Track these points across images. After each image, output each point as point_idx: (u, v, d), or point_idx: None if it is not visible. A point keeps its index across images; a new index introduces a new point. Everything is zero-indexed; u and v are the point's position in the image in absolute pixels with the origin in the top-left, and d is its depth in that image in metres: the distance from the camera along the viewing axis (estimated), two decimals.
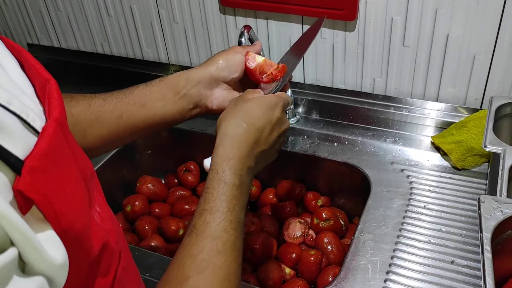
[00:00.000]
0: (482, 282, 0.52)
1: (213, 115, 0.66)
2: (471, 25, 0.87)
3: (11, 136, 0.27)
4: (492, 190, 0.77)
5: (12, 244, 0.27)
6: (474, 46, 0.89)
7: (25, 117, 0.29)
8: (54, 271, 0.29)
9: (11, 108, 0.28)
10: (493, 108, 0.82)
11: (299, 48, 0.71)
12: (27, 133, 0.29)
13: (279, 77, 0.67)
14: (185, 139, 1.12)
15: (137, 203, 1.02)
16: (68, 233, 0.30)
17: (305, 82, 1.09)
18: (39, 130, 0.30)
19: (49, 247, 0.29)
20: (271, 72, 0.67)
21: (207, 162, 0.58)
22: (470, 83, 0.93)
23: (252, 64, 0.66)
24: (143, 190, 1.05)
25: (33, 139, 0.29)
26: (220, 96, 0.65)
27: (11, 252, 0.26)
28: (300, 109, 1.09)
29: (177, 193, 1.08)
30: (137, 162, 1.13)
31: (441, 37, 0.90)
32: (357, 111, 1.02)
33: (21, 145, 0.28)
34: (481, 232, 0.54)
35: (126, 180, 1.10)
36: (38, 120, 0.30)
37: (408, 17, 0.91)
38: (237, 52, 0.65)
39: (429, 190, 0.85)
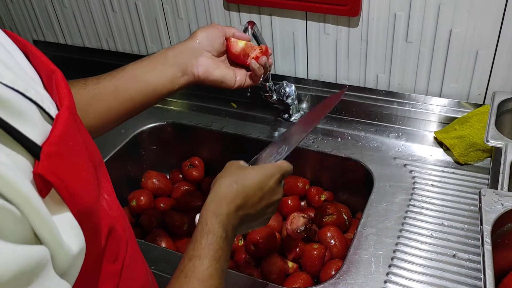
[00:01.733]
0: (482, 275, 0.52)
1: (200, 84, 0.72)
2: (474, 20, 0.87)
3: (29, 122, 0.28)
4: (494, 185, 0.77)
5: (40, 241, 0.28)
6: (477, 42, 0.89)
7: (41, 104, 0.30)
8: (71, 263, 0.30)
9: (28, 95, 0.29)
10: (496, 103, 0.82)
11: (310, 119, 0.74)
12: (42, 119, 0.30)
13: (263, 56, 0.73)
14: (190, 135, 1.13)
15: (142, 198, 1.03)
16: (83, 215, 0.31)
17: (309, 78, 1.09)
18: (54, 116, 0.31)
19: (68, 233, 0.30)
20: (256, 55, 0.73)
21: (198, 217, 0.60)
22: (473, 79, 0.93)
23: (235, 49, 0.71)
24: (148, 185, 1.07)
25: (48, 125, 0.30)
26: (204, 63, 0.70)
27: (43, 250, 0.27)
28: (304, 105, 1.10)
29: (181, 188, 1.09)
30: (142, 158, 1.14)
31: (444, 32, 0.90)
32: (360, 107, 1.03)
33: (38, 131, 0.29)
34: (481, 224, 0.55)
35: (131, 175, 1.11)
36: (52, 108, 0.31)
37: (411, 13, 0.91)
38: (216, 28, 0.72)
39: (432, 185, 0.86)
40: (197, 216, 0.60)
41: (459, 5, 0.86)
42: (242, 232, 0.63)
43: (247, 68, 0.75)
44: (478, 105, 0.94)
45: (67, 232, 0.30)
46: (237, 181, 0.60)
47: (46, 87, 0.35)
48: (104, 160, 1.03)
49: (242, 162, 0.65)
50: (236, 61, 0.73)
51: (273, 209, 0.66)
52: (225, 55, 0.74)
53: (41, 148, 0.28)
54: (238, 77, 0.73)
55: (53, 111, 0.32)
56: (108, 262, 0.37)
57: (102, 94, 0.65)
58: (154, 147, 1.15)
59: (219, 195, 0.58)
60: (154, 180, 1.07)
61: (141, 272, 0.48)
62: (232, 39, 0.72)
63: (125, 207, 1.06)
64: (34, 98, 0.30)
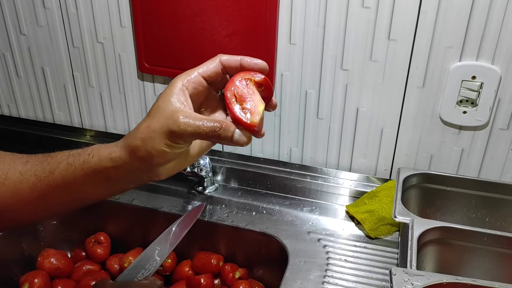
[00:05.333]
0: None
1: None
2: (378, 100, 0.92)
3: None
4: (403, 260, 0.79)
5: None
6: (381, 120, 0.94)
7: None
8: None
9: None
10: (401, 179, 0.86)
11: (176, 235, 0.77)
12: None
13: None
14: (95, 208, 1.03)
15: (36, 280, 0.92)
16: None
17: (224, 150, 1.08)
18: None
19: None
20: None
21: None
22: (380, 155, 0.98)
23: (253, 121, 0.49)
24: (45, 265, 0.95)
25: None
26: (165, 171, 0.51)
27: None
28: (219, 177, 1.07)
29: (84, 268, 0.99)
30: (40, 234, 1.03)
31: (351, 110, 0.95)
32: (275, 180, 1.03)
33: None
34: None
35: (25, 254, 1.00)
36: None
37: (321, 91, 0.95)
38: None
39: (345, 260, 0.85)
40: None
41: (364, 86, 0.92)
42: None
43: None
44: (385, 180, 0.97)
45: None
46: None
47: None
48: None
49: (111, 281, 0.64)
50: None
51: None
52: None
53: None
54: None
55: None
56: None
57: (22, 195, 0.51)
58: (55, 222, 1.05)
59: None
60: (51, 259, 0.96)
61: None
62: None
63: None
64: None
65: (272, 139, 1.03)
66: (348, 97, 0.94)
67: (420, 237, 0.72)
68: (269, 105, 0.54)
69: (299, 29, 0.91)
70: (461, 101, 0.87)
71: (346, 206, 0.98)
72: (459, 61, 0.85)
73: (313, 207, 0.99)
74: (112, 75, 1.08)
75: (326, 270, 0.83)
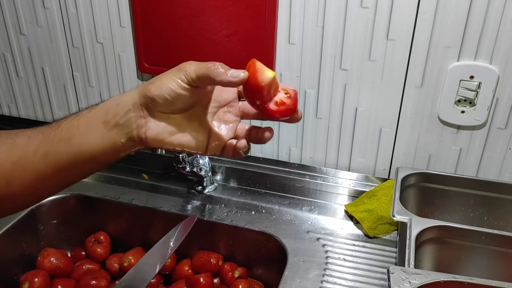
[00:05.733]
0: None
1: (150, 148, 0.54)
2: (377, 99, 0.93)
3: None
4: (401, 259, 0.79)
5: None
6: (380, 119, 0.95)
7: None
8: None
9: None
10: (399, 179, 0.86)
11: (163, 248, 0.78)
12: None
13: (290, 108, 0.51)
14: (95, 207, 1.05)
15: (36, 279, 0.92)
16: None
17: None
18: None
19: None
20: (282, 100, 0.50)
21: None
22: (378, 154, 0.98)
23: (262, 78, 0.48)
24: (45, 264, 0.96)
25: None
26: (155, 126, 0.51)
27: None
28: (218, 177, 1.08)
29: (83, 267, 1.00)
30: (40, 233, 1.03)
31: (350, 110, 0.95)
32: (274, 179, 1.03)
33: None
34: None
35: (25, 254, 1.00)
36: None
37: (320, 91, 0.95)
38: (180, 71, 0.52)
39: (344, 259, 0.86)
40: None
41: (362, 85, 0.92)
42: None
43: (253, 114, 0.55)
44: (384, 179, 0.98)
45: None
46: None
47: None
48: None
49: None
50: (254, 96, 0.50)
51: None
52: (194, 108, 0.53)
53: None
54: (212, 143, 0.55)
55: None
56: None
57: (28, 159, 0.52)
58: (55, 221, 1.05)
59: None
60: (52, 259, 0.97)
61: None
62: (258, 63, 0.49)
63: None
64: None
65: (271, 138, 1.03)
66: (347, 96, 0.94)
67: (418, 236, 0.72)
68: (293, 117, 0.54)
69: (298, 29, 0.91)
70: (459, 101, 0.88)
71: (345, 205, 0.98)
72: (457, 61, 0.85)
73: (312, 207, 1.00)
74: (112, 75, 1.09)
75: (325, 269, 0.84)
